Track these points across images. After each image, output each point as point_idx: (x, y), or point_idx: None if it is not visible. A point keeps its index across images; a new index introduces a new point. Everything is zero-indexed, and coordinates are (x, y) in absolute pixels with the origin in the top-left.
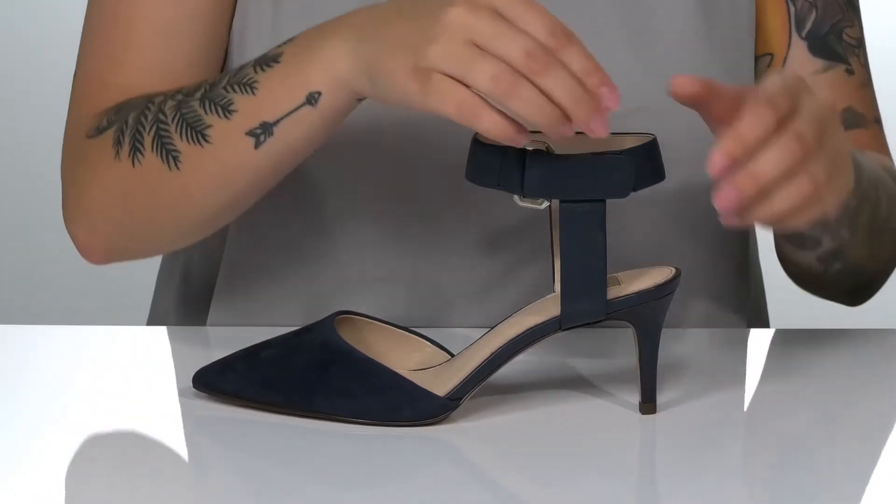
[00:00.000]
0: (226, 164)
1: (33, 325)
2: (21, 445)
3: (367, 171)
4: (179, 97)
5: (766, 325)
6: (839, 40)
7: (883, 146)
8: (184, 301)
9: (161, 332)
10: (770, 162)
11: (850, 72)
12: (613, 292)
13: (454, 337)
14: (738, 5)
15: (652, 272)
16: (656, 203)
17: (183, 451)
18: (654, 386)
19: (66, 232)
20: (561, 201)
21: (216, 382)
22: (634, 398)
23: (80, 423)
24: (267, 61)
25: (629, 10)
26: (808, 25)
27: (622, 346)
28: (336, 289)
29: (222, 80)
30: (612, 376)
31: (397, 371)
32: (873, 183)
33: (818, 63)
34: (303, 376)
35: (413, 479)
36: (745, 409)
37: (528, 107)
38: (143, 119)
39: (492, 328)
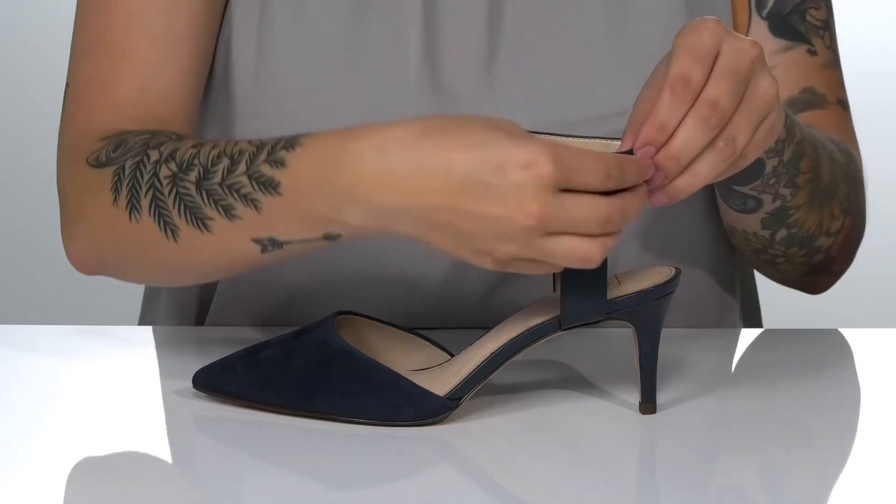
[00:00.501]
0: (226, 253)
1: (32, 326)
2: (21, 445)
3: None
4: (173, 167)
5: (758, 325)
6: (802, 20)
7: (845, 128)
8: (174, 300)
9: (160, 331)
10: (687, 138)
11: (812, 52)
12: (613, 292)
13: (455, 337)
14: (717, 2)
15: (651, 272)
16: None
17: (182, 451)
18: (654, 386)
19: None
20: None
21: (216, 382)
22: (634, 398)
23: (78, 423)
24: (265, 181)
25: (613, 8)
26: (769, 5)
27: (622, 346)
28: (335, 289)
29: (216, 170)
30: (612, 376)
31: (397, 371)
32: (811, 141)
33: (779, 43)
34: (303, 376)
35: (413, 479)
36: (744, 409)
37: (613, 251)
38: (139, 175)
39: (492, 329)
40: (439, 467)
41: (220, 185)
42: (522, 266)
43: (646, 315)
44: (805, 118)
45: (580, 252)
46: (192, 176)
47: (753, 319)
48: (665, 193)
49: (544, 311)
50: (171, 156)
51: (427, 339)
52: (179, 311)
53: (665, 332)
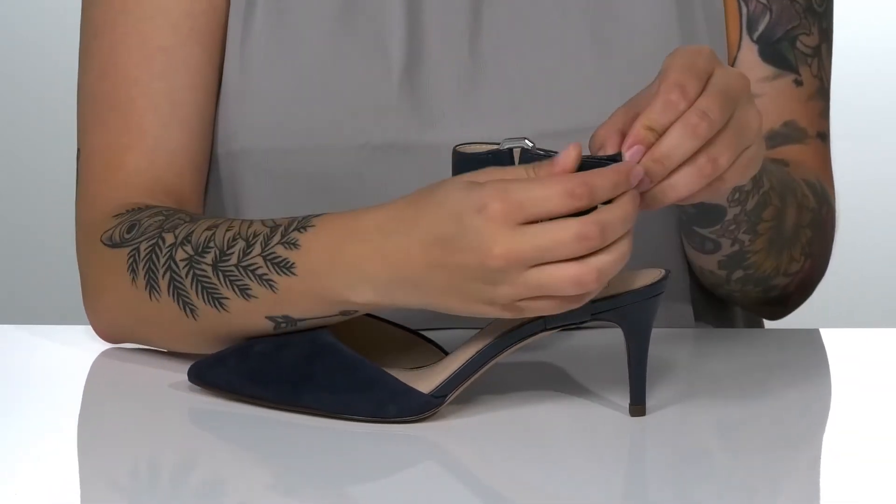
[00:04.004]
0: (242, 330)
1: (32, 326)
2: (20, 443)
3: (364, 173)
4: (189, 250)
5: (759, 324)
6: (792, 48)
7: (822, 163)
8: None
9: None
10: (674, 143)
11: (798, 82)
12: (600, 293)
13: (453, 338)
14: (713, 10)
15: (641, 274)
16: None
17: (177, 446)
18: (644, 388)
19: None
20: None
21: (208, 375)
22: (624, 400)
23: (77, 420)
24: (280, 262)
25: (598, 22)
26: (761, 28)
27: (614, 347)
28: None
29: (232, 253)
30: (603, 378)
31: (386, 368)
32: (779, 190)
33: (767, 70)
34: (290, 371)
35: (396, 475)
36: (735, 410)
37: (614, 268)
38: (154, 258)
39: (481, 329)
40: (423, 465)
41: (237, 266)
42: (532, 306)
43: (633, 316)
44: (784, 152)
45: (568, 277)
46: (209, 258)
47: (753, 320)
48: (642, 200)
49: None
50: (187, 239)
51: (423, 338)
52: None
53: (658, 332)
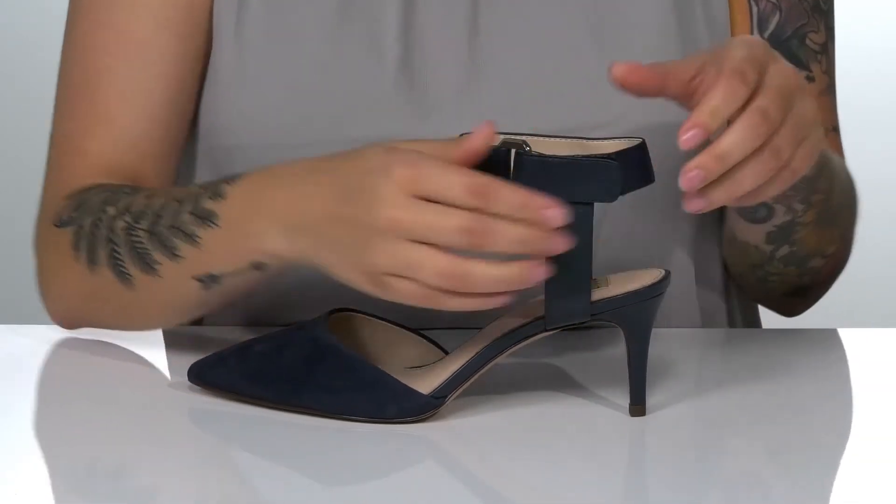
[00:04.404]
0: (176, 296)
1: (32, 326)
2: (21, 443)
3: None
4: (128, 218)
5: (757, 325)
6: (802, 45)
7: (839, 155)
8: None
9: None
10: (736, 141)
11: (810, 79)
12: (599, 294)
13: (452, 338)
14: (713, 10)
15: (641, 274)
16: (638, 210)
17: (174, 446)
18: (644, 388)
19: None
20: None
21: (208, 375)
22: (624, 400)
23: (76, 420)
24: (205, 214)
25: (598, 21)
26: (771, 27)
27: (614, 347)
28: (331, 289)
29: (165, 214)
30: (603, 378)
31: (386, 369)
32: (830, 166)
33: None
34: (290, 372)
35: (396, 475)
36: (735, 410)
37: (487, 283)
38: (96, 230)
39: (481, 329)
40: (423, 465)
41: (169, 227)
42: (396, 285)
43: (633, 317)
44: None
45: (434, 264)
46: (145, 224)
47: (753, 320)
48: (704, 198)
49: (530, 313)
50: (127, 209)
51: (423, 337)
52: None
53: (658, 332)
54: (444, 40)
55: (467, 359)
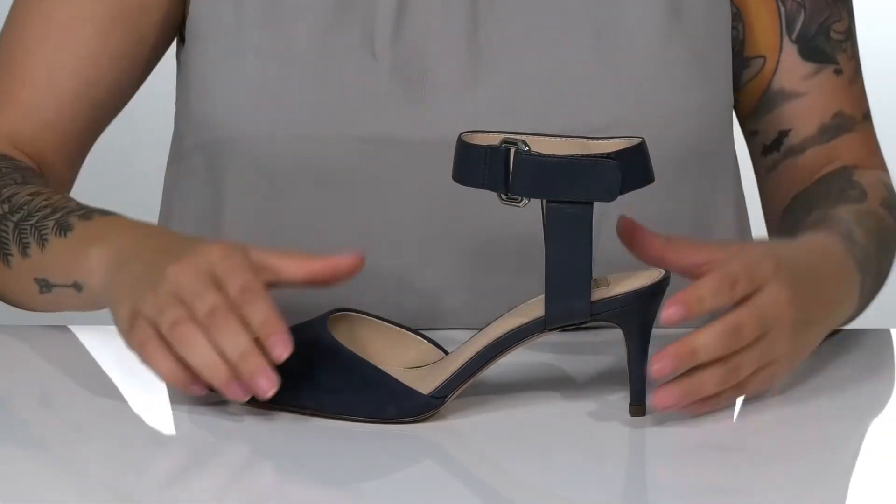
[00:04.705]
0: (20, 288)
1: (32, 326)
2: (21, 443)
3: (356, 164)
4: (6, 208)
5: None
6: (827, 39)
7: (871, 146)
8: None
9: None
10: (707, 343)
11: (838, 71)
12: (600, 294)
13: (451, 338)
14: (714, 13)
15: (641, 274)
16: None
17: (172, 445)
18: (644, 388)
19: None
20: (547, 201)
21: None
22: (624, 400)
23: (76, 419)
24: (65, 227)
25: (600, 20)
26: (798, 27)
27: (614, 347)
28: (328, 291)
29: (37, 215)
30: (604, 377)
31: (384, 368)
32: (870, 260)
33: (809, 67)
34: (290, 371)
35: (396, 475)
36: (734, 411)
37: (197, 357)
38: None
39: (481, 329)
40: (423, 465)
41: (32, 226)
42: (138, 326)
43: (633, 317)
44: (837, 145)
45: (174, 315)
46: (16, 217)
47: None
48: (670, 395)
49: (530, 313)
50: (9, 199)
51: (423, 337)
52: None
53: (658, 332)
54: (443, 39)
55: (467, 359)
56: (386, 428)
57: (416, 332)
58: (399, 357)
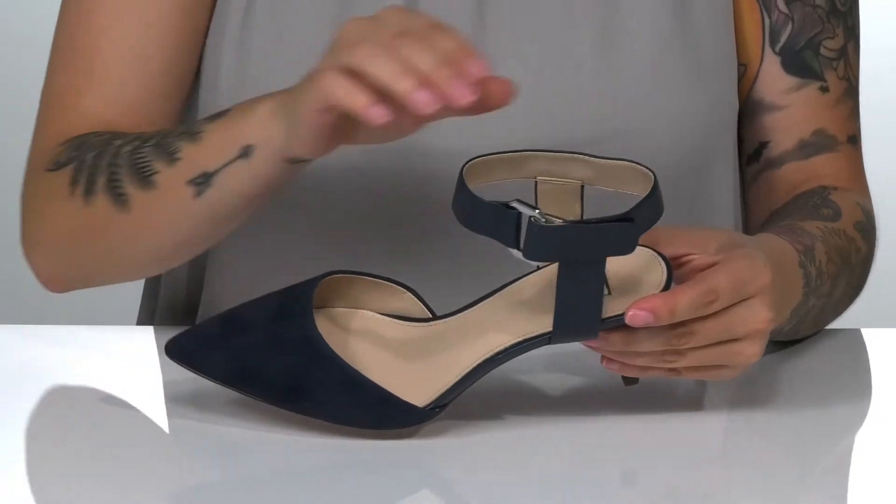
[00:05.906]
0: (169, 211)
1: (32, 326)
2: (21, 443)
3: (360, 169)
4: (137, 142)
5: None
6: (816, 55)
7: (855, 169)
8: (168, 306)
9: (148, 331)
10: (686, 307)
11: (824, 89)
12: (607, 307)
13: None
14: (715, 17)
15: (644, 281)
16: None
17: (172, 446)
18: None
19: None
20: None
21: (194, 358)
22: (624, 403)
23: (75, 420)
24: (219, 113)
25: (603, 25)
26: (783, 40)
27: None
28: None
29: (180, 128)
30: (603, 377)
31: (383, 370)
32: (822, 280)
33: (791, 81)
34: (283, 379)
35: (388, 486)
36: (737, 410)
37: (382, 67)
38: (99, 161)
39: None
40: (417, 472)
41: (178, 133)
42: (326, 74)
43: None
44: (817, 163)
45: (368, 53)
46: (153, 141)
47: None
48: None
49: (536, 321)
50: (138, 137)
51: (408, 289)
52: (171, 317)
53: None
54: None
55: (463, 372)
56: (379, 440)
57: (400, 283)
58: (380, 305)
